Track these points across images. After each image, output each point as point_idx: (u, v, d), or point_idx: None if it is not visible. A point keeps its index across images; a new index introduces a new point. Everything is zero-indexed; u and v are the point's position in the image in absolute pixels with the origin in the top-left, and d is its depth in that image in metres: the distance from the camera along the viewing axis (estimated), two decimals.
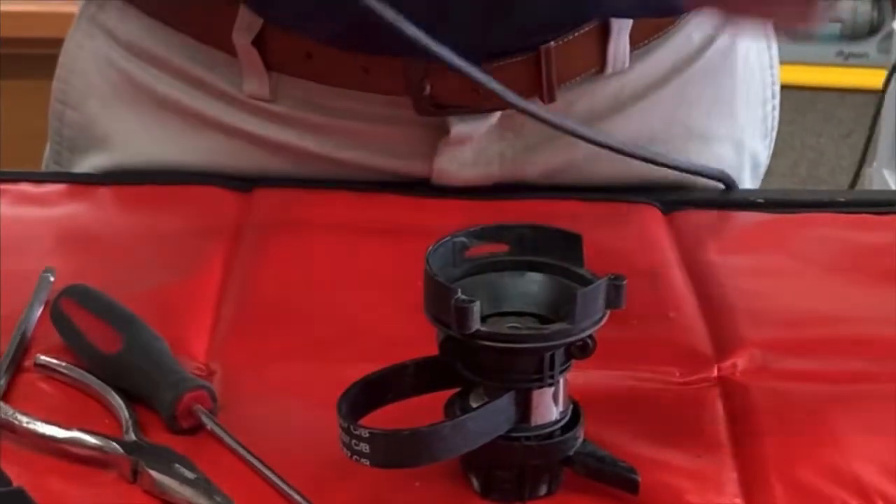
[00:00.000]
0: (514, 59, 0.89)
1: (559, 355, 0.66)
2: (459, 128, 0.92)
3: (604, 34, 0.91)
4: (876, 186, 2.41)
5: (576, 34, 0.90)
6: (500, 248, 0.69)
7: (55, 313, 0.77)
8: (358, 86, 0.90)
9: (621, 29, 0.92)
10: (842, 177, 3.03)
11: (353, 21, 0.79)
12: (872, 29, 3.30)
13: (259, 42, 0.90)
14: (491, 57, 0.88)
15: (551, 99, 0.91)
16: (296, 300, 0.82)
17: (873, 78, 2.70)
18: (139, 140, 0.95)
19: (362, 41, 0.87)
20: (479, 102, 0.90)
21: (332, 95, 0.92)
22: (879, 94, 2.47)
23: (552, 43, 0.89)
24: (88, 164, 0.97)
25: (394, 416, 0.66)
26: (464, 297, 0.63)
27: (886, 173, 2.39)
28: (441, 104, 0.90)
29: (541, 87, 0.90)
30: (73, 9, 1.00)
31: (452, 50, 0.84)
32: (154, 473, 0.67)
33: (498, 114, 0.92)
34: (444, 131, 0.92)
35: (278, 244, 0.87)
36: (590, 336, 0.65)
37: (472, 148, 0.93)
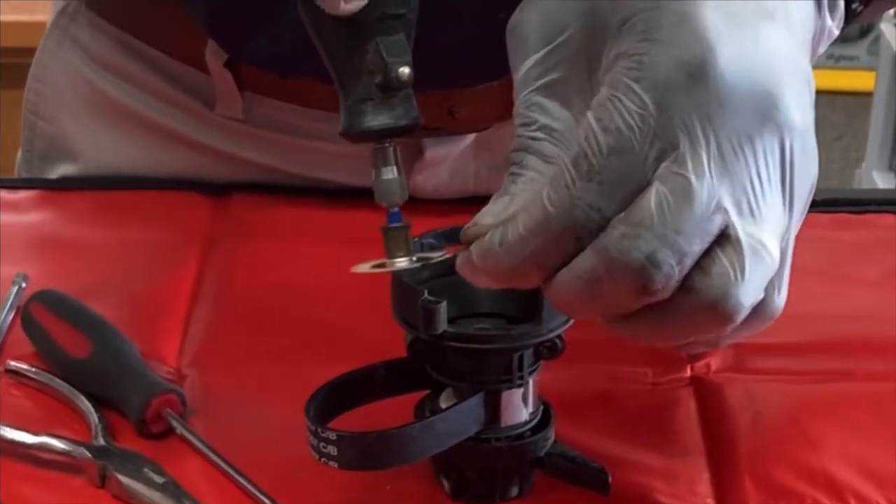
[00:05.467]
0: (493, 82, 0.89)
1: (528, 356, 0.65)
2: (435, 150, 0.91)
3: None
4: (865, 188, 2.41)
5: None
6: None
7: (25, 319, 0.76)
8: (331, 107, 0.89)
9: None
10: (833, 180, 3.03)
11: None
12: (863, 31, 3.31)
13: (232, 63, 0.90)
14: (471, 81, 0.88)
15: None
16: (268, 305, 0.82)
17: (864, 80, 2.70)
18: (109, 153, 0.95)
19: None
20: (454, 125, 0.90)
21: (305, 116, 0.91)
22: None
23: None
24: (58, 173, 0.97)
25: (366, 419, 0.66)
26: (430, 298, 0.63)
27: (876, 175, 2.39)
28: None
29: None
30: None
31: (435, 74, 0.85)
32: (122, 478, 0.67)
33: (473, 135, 0.92)
34: (420, 151, 0.91)
35: (251, 249, 0.87)
36: (558, 336, 0.65)
37: (448, 168, 0.92)
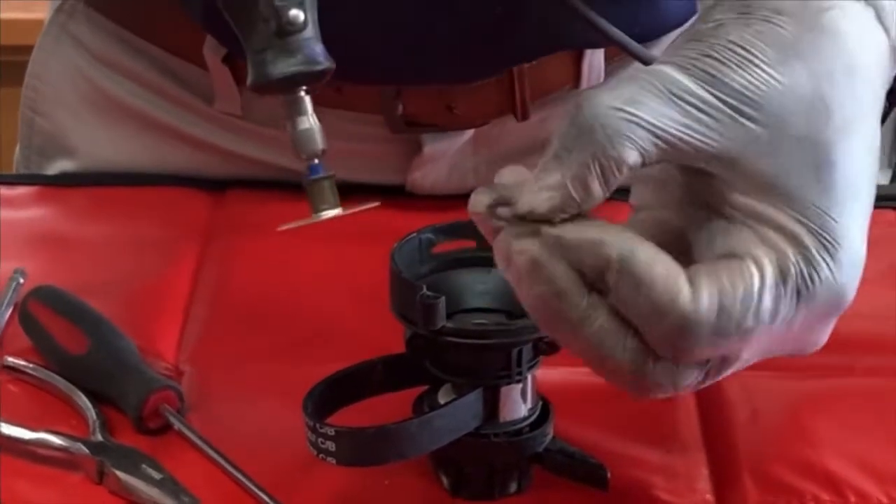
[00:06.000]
0: (487, 79, 0.89)
1: (527, 351, 0.65)
2: (433, 146, 0.91)
3: (577, 53, 0.91)
4: None
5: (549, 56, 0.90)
6: (468, 244, 0.68)
7: (23, 315, 0.76)
8: (330, 104, 0.89)
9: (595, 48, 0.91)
10: None
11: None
12: None
13: (230, 59, 0.90)
14: (464, 79, 0.88)
15: (524, 116, 0.90)
16: (266, 301, 0.82)
17: None
18: (108, 150, 0.95)
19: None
20: (452, 121, 0.90)
21: None
22: None
23: (525, 64, 0.89)
24: (56, 169, 0.97)
25: (365, 414, 0.66)
26: (429, 293, 0.63)
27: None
28: (414, 122, 0.90)
29: (514, 105, 0.90)
30: None
31: (426, 73, 0.84)
32: (120, 474, 0.67)
33: (471, 131, 0.91)
34: (418, 147, 0.91)
35: (250, 245, 0.87)
36: None
37: (446, 164, 0.92)
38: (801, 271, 0.58)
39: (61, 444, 0.68)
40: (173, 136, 0.93)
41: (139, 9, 0.92)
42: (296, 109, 0.63)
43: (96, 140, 0.95)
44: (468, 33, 0.85)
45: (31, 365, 0.74)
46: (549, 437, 0.67)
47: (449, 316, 0.64)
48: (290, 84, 0.63)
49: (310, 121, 0.63)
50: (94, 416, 0.70)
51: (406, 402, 0.68)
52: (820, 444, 0.70)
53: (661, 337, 0.58)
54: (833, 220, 0.59)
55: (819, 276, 0.58)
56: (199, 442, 0.69)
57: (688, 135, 0.58)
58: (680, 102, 0.58)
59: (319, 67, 0.63)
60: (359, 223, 0.88)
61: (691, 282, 0.57)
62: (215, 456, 0.69)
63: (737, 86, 0.58)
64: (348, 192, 0.91)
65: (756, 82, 0.58)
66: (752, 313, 0.57)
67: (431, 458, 0.68)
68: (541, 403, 0.68)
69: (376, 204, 0.63)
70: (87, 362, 0.73)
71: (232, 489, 0.67)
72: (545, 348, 0.65)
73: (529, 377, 0.66)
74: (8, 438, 0.69)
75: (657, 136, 0.57)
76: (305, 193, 0.63)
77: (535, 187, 0.58)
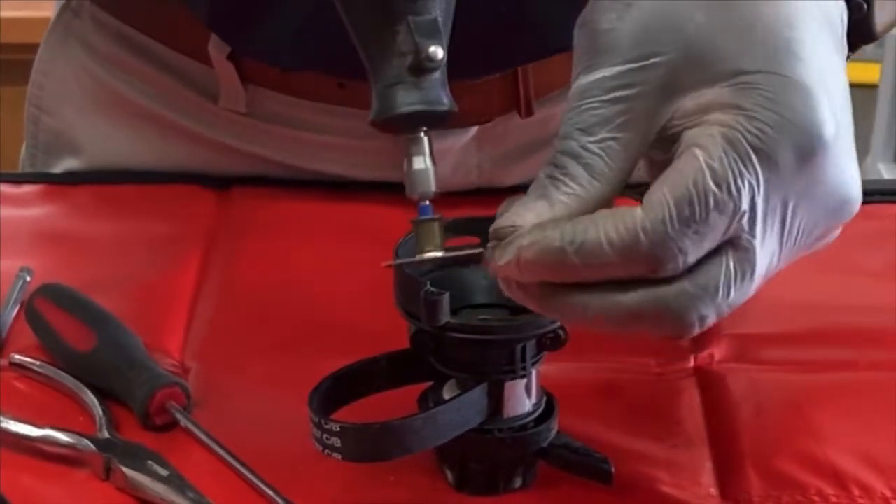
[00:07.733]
0: (491, 76, 0.89)
1: (531, 347, 0.65)
2: (437, 143, 0.91)
3: None
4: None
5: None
6: (472, 241, 0.68)
7: (30, 312, 0.77)
8: (334, 100, 0.90)
9: None
10: None
11: (328, 54, 0.78)
12: None
13: (235, 56, 0.90)
14: (468, 76, 0.88)
15: (529, 113, 0.90)
16: (272, 297, 0.82)
17: (869, 72, 2.70)
18: (113, 147, 0.95)
19: (336, 70, 0.87)
20: (456, 118, 0.90)
21: (308, 109, 0.91)
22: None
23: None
24: (62, 167, 0.97)
25: (370, 410, 0.66)
26: (433, 289, 0.63)
27: (881, 166, 2.39)
28: None
29: (518, 102, 0.90)
30: None
31: None
32: (127, 470, 0.67)
33: (475, 128, 0.92)
34: None
35: (255, 242, 0.87)
36: (561, 327, 0.65)
37: (450, 161, 0.92)
38: (747, 129, 0.57)
39: (68, 441, 0.68)
40: (178, 134, 0.94)
41: (144, 7, 0.93)
42: (414, 148, 0.63)
43: (102, 138, 0.95)
44: (472, 31, 0.85)
45: (37, 362, 0.75)
46: (554, 432, 0.67)
47: (453, 312, 0.64)
48: (413, 122, 0.62)
49: (426, 162, 0.63)
50: (101, 413, 0.70)
51: (411, 398, 0.68)
52: (824, 438, 0.71)
53: (648, 264, 0.57)
54: (774, 72, 0.57)
55: (769, 124, 0.57)
56: (205, 438, 0.70)
57: (630, 114, 0.59)
58: (609, 95, 0.59)
59: (443, 108, 0.63)
60: (363, 221, 0.89)
61: (644, 202, 0.57)
62: (221, 452, 0.69)
63: (628, 40, 0.59)
64: (352, 188, 0.92)
65: (641, 18, 0.59)
66: (710, 187, 0.56)
67: (436, 453, 0.68)
68: (545, 399, 0.68)
69: (479, 251, 0.63)
70: (93, 359, 0.73)
71: (238, 485, 0.67)
72: (549, 343, 0.65)
73: (533, 372, 0.66)
74: (15, 435, 0.69)
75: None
76: (413, 230, 0.63)
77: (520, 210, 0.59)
